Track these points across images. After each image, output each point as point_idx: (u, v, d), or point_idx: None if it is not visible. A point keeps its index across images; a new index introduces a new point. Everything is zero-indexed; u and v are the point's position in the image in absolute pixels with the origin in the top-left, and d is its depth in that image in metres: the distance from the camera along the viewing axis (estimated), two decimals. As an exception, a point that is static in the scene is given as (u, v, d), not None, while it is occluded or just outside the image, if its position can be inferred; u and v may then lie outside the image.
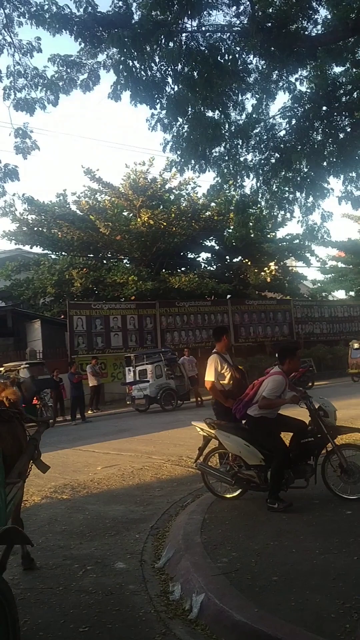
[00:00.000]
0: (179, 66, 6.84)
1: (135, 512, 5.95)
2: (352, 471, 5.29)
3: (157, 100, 7.56)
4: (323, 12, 10.02)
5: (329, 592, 3.36)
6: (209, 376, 6.53)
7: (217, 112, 9.37)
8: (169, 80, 7.30)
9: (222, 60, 6.95)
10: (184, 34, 6.70)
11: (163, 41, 6.35)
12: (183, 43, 6.42)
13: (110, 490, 7.14)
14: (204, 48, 6.66)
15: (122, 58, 6.59)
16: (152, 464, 8.54)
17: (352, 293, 39.24)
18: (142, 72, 6.83)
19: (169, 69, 7.06)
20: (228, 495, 5.83)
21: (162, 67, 7.06)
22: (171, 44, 6.91)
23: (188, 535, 4.57)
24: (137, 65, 6.66)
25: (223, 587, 3.50)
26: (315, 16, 9.49)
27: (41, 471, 4.45)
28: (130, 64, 6.64)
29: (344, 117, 10.61)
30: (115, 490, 7.11)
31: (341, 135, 10.40)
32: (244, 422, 5.71)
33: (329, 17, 9.72)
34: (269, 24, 8.44)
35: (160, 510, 5.85)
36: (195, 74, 6.48)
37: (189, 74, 6.61)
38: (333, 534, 4.42)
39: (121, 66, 6.78)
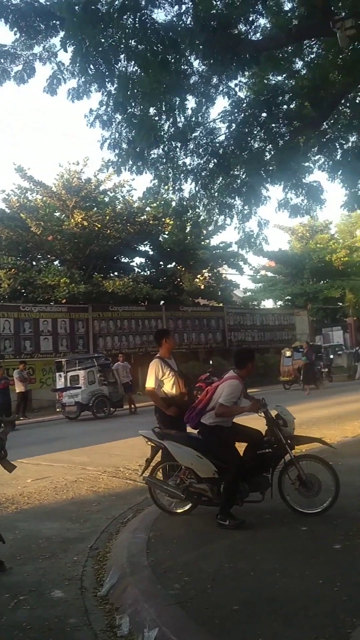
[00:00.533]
0: (133, 42, 6.48)
1: (72, 530, 5.52)
2: (311, 483, 5.06)
3: (108, 79, 7.18)
4: (263, 21, 10.06)
5: (299, 622, 3.07)
6: (150, 382, 6.17)
7: (156, 111, 9.15)
8: (121, 57, 6.96)
9: (177, 42, 6.66)
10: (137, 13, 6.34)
11: (116, 15, 5.99)
12: (137, 19, 6.09)
13: (42, 505, 6.64)
14: (158, 27, 6.36)
15: (71, 32, 6.17)
16: (88, 476, 8.10)
17: (280, 302, 40.27)
18: (92, 49, 6.42)
19: (122, 46, 6.69)
20: (179, 510, 5.48)
21: (114, 43, 6.69)
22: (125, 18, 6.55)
23: (133, 557, 4.21)
24: (87, 42, 6.24)
25: (178, 619, 3.15)
26: (256, 24, 9.52)
27: (7, 471, 4.46)
28: (80, 38, 6.21)
29: (282, 125, 10.67)
30: (48, 505, 6.63)
31: (280, 143, 10.44)
32: (196, 431, 5.41)
33: (268, 26, 9.76)
34: (213, 24, 8.29)
35: (99, 528, 5.45)
36: (149, 54, 6.15)
37: (142, 53, 6.27)
38: (291, 553, 4.19)
39: (69, 41, 6.34)
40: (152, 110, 8.87)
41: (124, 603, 3.55)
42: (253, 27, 9.47)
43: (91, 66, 6.67)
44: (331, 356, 26.79)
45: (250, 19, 8.82)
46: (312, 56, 10.33)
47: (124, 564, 4.13)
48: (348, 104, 10.75)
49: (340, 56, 10.06)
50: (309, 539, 4.47)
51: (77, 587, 4.03)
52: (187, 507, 5.44)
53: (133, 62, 6.88)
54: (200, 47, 8.19)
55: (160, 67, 6.48)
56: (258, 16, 9.17)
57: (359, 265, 40.04)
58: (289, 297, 39.28)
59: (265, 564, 4.00)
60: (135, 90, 7.80)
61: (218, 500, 5.10)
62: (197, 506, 5.39)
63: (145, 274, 29.75)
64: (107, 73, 6.95)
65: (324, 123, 10.26)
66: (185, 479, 5.28)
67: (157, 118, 9.27)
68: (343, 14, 7.38)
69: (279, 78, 10.93)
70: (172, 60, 6.92)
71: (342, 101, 10.34)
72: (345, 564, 3.87)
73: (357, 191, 13.84)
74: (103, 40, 6.47)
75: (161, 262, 30.41)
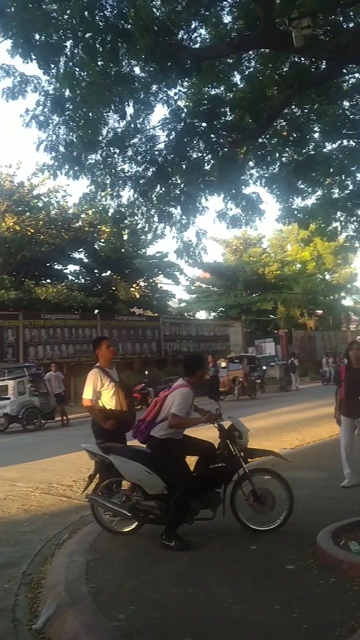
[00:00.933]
0: (80, 30, 6.19)
1: (2, 553, 5.10)
2: (265, 499, 4.87)
3: (53, 66, 6.84)
4: (203, 31, 10.08)
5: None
6: (87, 394, 5.80)
7: (97, 112, 8.92)
8: (68, 44, 6.65)
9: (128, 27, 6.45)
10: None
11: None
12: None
13: (-33, 527, 6.15)
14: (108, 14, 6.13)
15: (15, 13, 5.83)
16: (18, 493, 7.63)
17: (214, 314, 40.74)
18: (37, 34, 6.09)
19: (68, 32, 6.38)
20: (125, 529, 5.13)
21: (60, 28, 6.37)
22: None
23: (71, 584, 3.87)
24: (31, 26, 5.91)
25: (125, 655, 2.88)
26: (197, 32, 9.52)
27: None
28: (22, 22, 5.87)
29: (222, 136, 10.69)
30: (-26, 527, 6.14)
31: (220, 153, 10.45)
32: (145, 445, 5.11)
33: (208, 38, 9.79)
34: (155, 28, 8.18)
35: (32, 551, 5.05)
36: (97, 44, 5.91)
37: (90, 42, 6.02)
38: (242, 576, 3.96)
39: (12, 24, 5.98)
40: (92, 112, 8.59)
41: (63, 637, 3.24)
42: (194, 36, 9.51)
43: (33, 53, 6.31)
44: (264, 367, 27.26)
45: (192, 26, 8.80)
46: (250, 70, 10.46)
47: (61, 591, 3.80)
48: (288, 117, 10.94)
49: (278, 71, 10.29)
50: (260, 560, 4.28)
51: (9, 620, 3.66)
52: (132, 527, 5.12)
53: (79, 51, 6.59)
54: (141, 51, 8.07)
55: (109, 56, 6.25)
56: (199, 25, 9.19)
57: (290, 279, 41.23)
58: (223, 309, 39.80)
59: (216, 588, 3.78)
60: (80, 84, 7.49)
61: (167, 518, 4.81)
62: (143, 525, 5.08)
63: (80, 281, 29.20)
64: (51, 59, 6.59)
65: (263, 136, 10.37)
66: (132, 496, 4.97)
67: (97, 118, 9.03)
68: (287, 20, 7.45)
69: (218, 90, 11.01)
70: (122, 51, 6.71)
71: (281, 114, 10.51)
72: (301, 587, 3.70)
73: (290, 206, 14.20)
74: (47, 25, 6.14)
75: (96, 270, 29.96)
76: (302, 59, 9.27)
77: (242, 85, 10.70)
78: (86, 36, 6.30)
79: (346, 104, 12.58)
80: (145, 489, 4.86)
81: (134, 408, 6.02)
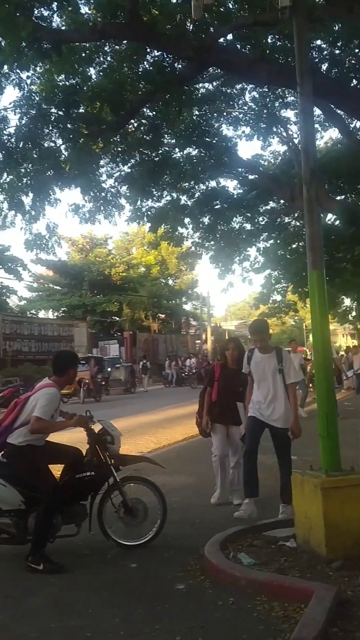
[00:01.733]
0: None
1: None
2: (136, 510, 4.43)
3: None
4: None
5: None
6: None
7: None
8: None
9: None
10: None
11: None
12: None
13: None
14: None
15: None
16: None
17: (57, 313, 39.59)
18: None
19: None
20: None
21: None
22: None
23: None
24: None
25: None
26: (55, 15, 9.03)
27: None
28: None
29: (79, 127, 10.28)
30: None
31: (77, 144, 10.04)
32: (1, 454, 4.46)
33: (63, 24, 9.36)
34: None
35: None
36: None
37: None
38: (130, 601, 3.50)
39: None
40: None
41: None
42: (55, 15, 8.99)
43: None
44: (109, 369, 27.06)
45: (53, 5, 8.29)
46: (104, 66, 10.21)
47: None
48: (145, 117, 10.90)
49: (137, 66, 10.18)
50: (145, 580, 3.85)
51: None
52: None
53: None
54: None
55: None
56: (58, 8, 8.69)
57: (135, 281, 41.68)
58: (66, 309, 38.79)
59: (102, 617, 3.28)
60: None
61: (23, 537, 4.19)
62: None
63: None
64: None
65: (121, 131, 10.18)
66: None
67: None
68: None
69: (73, 81, 10.56)
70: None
71: (139, 113, 10.42)
72: (199, 611, 3.30)
73: (140, 207, 14.23)
74: None
75: None
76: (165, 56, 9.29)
77: (97, 79, 10.43)
78: None
79: (197, 112, 13.02)
80: None
81: None
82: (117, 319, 40.86)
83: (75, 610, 3.41)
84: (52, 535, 4.26)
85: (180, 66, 8.95)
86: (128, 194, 12.65)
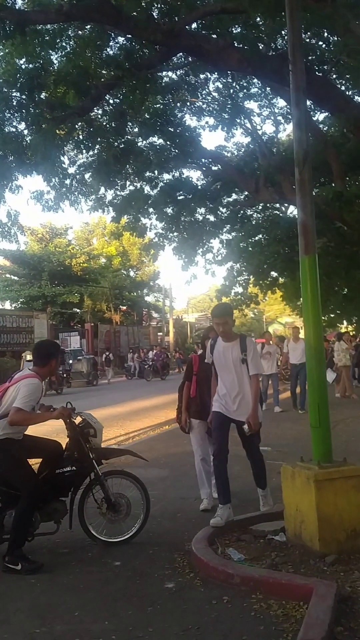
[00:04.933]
0: None
1: None
2: (119, 505, 4.24)
3: None
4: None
5: None
6: None
7: None
8: None
9: None
10: None
11: None
12: None
13: None
14: None
15: None
16: None
17: (16, 304, 38.66)
18: None
19: None
20: None
21: None
22: None
23: None
24: None
25: None
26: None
27: None
28: None
29: (43, 112, 9.92)
30: None
31: (40, 128, 9.67)
32: None
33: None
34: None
35: None
36: None
37: None
38: (119, 601, 3.31)
39: None
40: None
41: None
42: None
43: None
44: (70, 361, 26.66)
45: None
46: (67, 50, 9.89)
47: None
48: (110, 103, 10.63)
49: (102, 51, 9.89)
50: (131, 579, 3.65)
51: None
52: None
53: None
54: None
55: None
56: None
57: (97, 272, 41.17)
58: (22, 300, 37.88)
59: (90, 621, 3.07)
60: None
61: (1, 535, 4.00)
62: None
63: None
64: None
65: (85, 117, 9.88)
66: None
67: None
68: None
69: (34, 65, 10.17)
70: None
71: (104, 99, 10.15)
72: (193, 612, 3.13)
73: (103, 196, 13.95)
74: None
75: None
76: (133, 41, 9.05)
77: (59, 64, 10.10)
78: None
79: (160, 101, 12.82)
80: None
81: None
82: (78, 310, 40.27)
83: (59, 614, 3.19)
84: (31, 533, 4.05)
85: (147, 52, 8.73)
86: (91, 182, 12.36)
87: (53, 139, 9.53)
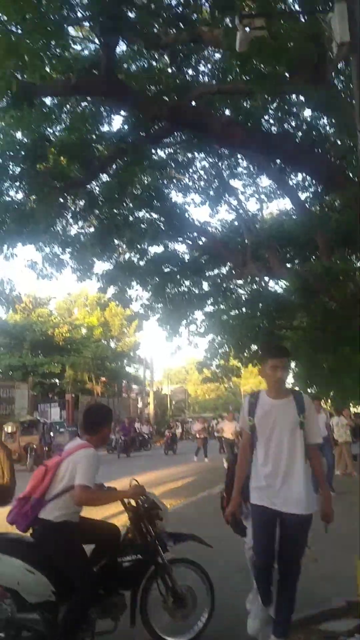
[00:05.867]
0: None
1: None
2: (186, 598, 3.67)
3: None
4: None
5: None
6: None
7: None
8: None
9: None
10: None
11: None
12: None
13: None
14: None
15: None
16: None
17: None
18: None
19: None
20: None
21: None
22: None
23: None
24: None
25: None
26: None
27: None
28: None
29: (46, 181, 9.99)
30: None
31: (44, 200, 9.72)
32: (29, 533, 3.61)
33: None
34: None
35: None
36: None
37: None
38: None
39: None
40: None
41: None
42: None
43: None
44: (52, 434, 25.66)
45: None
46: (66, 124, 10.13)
47: None
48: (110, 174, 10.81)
49: (102, 125, 10.13)
50: None
51: None
52: None
53: None
54: None
55: None
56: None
57: (78, 342, 40.75)
58: (2, 370, 36.94)
59: None
60: None
61: (54, 636, 3.38)
62: None
63: None
64: None
65: (87, 187, 10.01)
66: (6, 607, 3.41)
67: None
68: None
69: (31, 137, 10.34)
70: None
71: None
72: None
73: (87, 268, 13.93)
74: None
75: None
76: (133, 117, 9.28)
77: (58, 135, 10.31)
78: None
79: (149, 178, 13.07)
80: (23, 596, 3.39)
81: (14, 476, 4.22)
82: (58, 381, 39.43)
83: None
84: (92, 633, 3.45)
85: (151, 126, 8.98)
86: (84, 253, 12.38)
87: (59, 208, 9.61)
